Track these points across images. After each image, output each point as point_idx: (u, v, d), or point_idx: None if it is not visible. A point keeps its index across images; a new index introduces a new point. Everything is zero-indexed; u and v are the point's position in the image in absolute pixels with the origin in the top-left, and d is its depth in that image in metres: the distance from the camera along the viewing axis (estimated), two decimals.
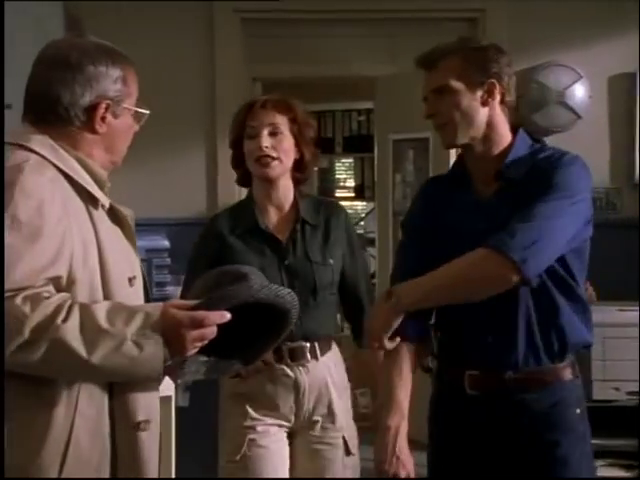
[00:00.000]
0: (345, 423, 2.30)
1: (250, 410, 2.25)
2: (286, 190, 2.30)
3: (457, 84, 1.85)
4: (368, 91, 5.25)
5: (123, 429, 1.55)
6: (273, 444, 2.25)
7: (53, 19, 3.25)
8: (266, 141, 2.22)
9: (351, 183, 7.96)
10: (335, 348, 2.34)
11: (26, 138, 1.56)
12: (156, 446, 1.62)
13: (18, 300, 1.40)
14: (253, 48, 3.96)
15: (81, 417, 1.50)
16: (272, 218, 2.30)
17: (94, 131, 1.61)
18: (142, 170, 3.46)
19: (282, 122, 2.24)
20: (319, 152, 2.36)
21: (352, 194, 7.79)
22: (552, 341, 1.84)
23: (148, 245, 3.05)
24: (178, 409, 2.84)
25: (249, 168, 2.28)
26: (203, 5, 3.55)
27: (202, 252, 2.31)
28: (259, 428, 2.25)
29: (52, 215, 1.47)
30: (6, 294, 1.40)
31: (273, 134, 2.24)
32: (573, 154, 1.86)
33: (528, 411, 1.84)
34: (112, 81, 1.61)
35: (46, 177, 1.51)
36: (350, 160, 7.82)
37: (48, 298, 1.44)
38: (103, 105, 1.60)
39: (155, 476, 1.61)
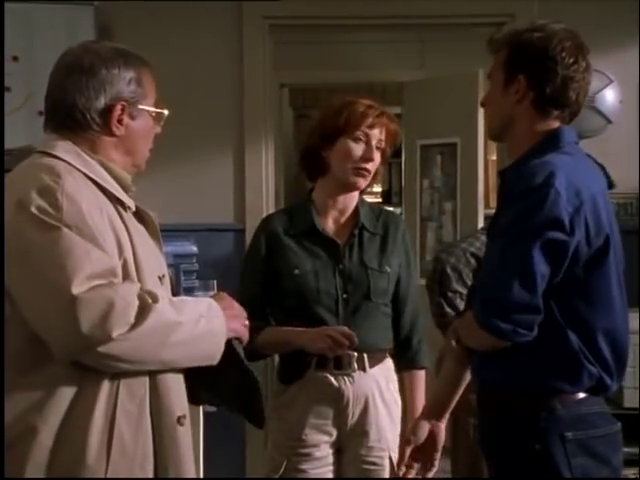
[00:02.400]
0: (393, 443, 2.21)
1: (292, 427, 2.19)
2: (353, 197, 2.27)
3: (498, 76, 1.79)
4: (396, 96, 5.24)
5: (165, 424, 1.58)
6: (313, 469, 2.19)
7: (84, 24, 3.28)
8: (376, 155, 2.20)
9: (378, 188, 7.95)
10: (388, 363, 2.26)
11: (51, 146, 1.60)
12: (190, 441, 1.64)
13: (112, 285, 1.47)
14: (281, 54, 3.97)
15: (122, 412, 1.53)
16: (330, 221, 2.26)
17: (112, 134, 1.63)
18: (170, 176, 3.47)
19: (384, 140, 2.23)
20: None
21: (379, 199, 7.78)
22: (497, 376, 1.76)
23: (176, 251, 3.06)
24: (206, 413, 2.84)
25: (336, 169, 2.21)
26: (232, 11, 3.56)
27: (255, 251, 2.29)
28: (301, 450, 2.19)
29: (92, 215, 1.51)
30: (95, 281, 1.46)
31: (377, 148, 2.21)
32: (541, 178, 1.64)
33: (486, 434, 1.83)
34: (126, 83, 1.62)
35: (77, 180, 1.54)
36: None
37: (130, 284, 1.52)
38: (118, 107, 1.62)
39: (193, 472, 1.64)
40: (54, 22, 3.28)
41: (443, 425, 1.95)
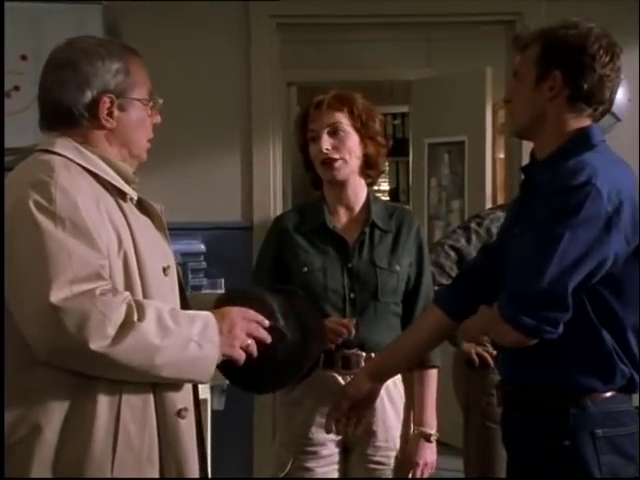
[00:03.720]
0: (399, 443, 2.22)
1: (299, 425, 2.19)
2: (357, 190, 2.24)
3: (528, 72, 1.75)
4: (404, 95, 5.25)
5: (167, 417, 1.58)
6: (320, 467, 2.19)
7: (92, 24, 3.29)
8: (326, 143, 2.16)
9: (386, 187, 7.95)
10: None
11: (50, 143, 1.60)
12: (194, 435, 1.64)
13: (93, 296, 1.45)
14: (288, 53, 3.97)
15: (127, 406, 1.53)
16: (341, 219, 2.25)
17: (103, 127, 1.61)
18: (178, 174, 3.48)
19: (342, 119, 2.17)
20: (388, 144, 2.28)
21: (387, 198, 7.78)
22: (527, 374, 1.74)
23: (184, 249, 3.06)
24: (214, 412, 2.85)
25: (317, 172, 2.23)
26: (239, 10, 3.56)
27: (267, 249, 2.30)
28: (308, 448, 2.18)
29: (87, 209, 1.51)
30: (76, 287, 1.44)
31: (333, 133, 2.17)
32: (584, 177, 1.63)
33: (511, 430, 1.82)
34: (112, 74, 1.61)
35: (73, 174, 1.54)
36: (385, 164, 7.80)
37: (115, 295, 1.48)
38: (106, 100, 1.60)
39: (196, 467, 1.63)
40: (63, 21, 3.28)
41: (381, 387, 2.02)
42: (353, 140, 2.19)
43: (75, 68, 1.60)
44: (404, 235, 2.24)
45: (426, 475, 2.23)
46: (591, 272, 1.65)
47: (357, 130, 2.19)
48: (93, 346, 1.43)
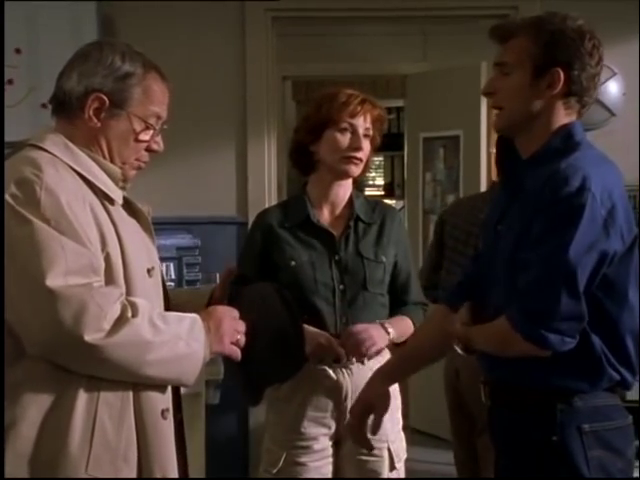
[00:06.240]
0: (392, 435, 2.22)
1: (290, 420, 2.18)
2: (347, 188, 2.28)
3: (520, 67, 1.70)
4: (399, 89, 5.24)
5: (148, 417, 1.57)
6: (312, 462, 2.19)
7: (87, 18, 3.28)
8: (364, 144, 2.21)
9: (380, 181, 7.96)
10: (386, 355, 2.24)
11: (40, 138, 1.59)
12: (172, 435, 1.64)
13: (90, 288, 1.45)
14: (284, 47, 3.96)
15: (104, 405, 1.52)
16: (325, 214, 2.27)
17: (87, 124, 1.60)
18: (173, 169, 3.47)
19: (370, 127, 2.23)
20: None
21: (382, 192, 7.79)
22: (514, 375, 1.72)
23: (179, 243, 3.06)
24: (208, 406, 2.85)
25: (327, 160, 2.22)
26: (234, 4, 3.56)
27: (251, 245, 2.30)
28: (300, 443, 2.18)
29: (73, 208, 1.50)
30: (71, 279, 1.43)
31: (366, 136, 2.22)
32: (578, 182, 1.60)
33: (498, 426, 1.81)
34: (114, 77, 1.60)
35: (60, 173, 1.53)
36: (380, 158, 7.81)
37: (111, 290, 1.49)
38: (96, 98, 1.59)
39: (175, 467, 1.63)
40: (57, 16, 3.28)
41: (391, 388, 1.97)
42: (369, 145, 2.24)
43: (85, 59, 1.61)
44: (387, 227, 2.27)
45: (372, 350, 2.16)
46: (593, 274, 1.63)
47: (372, 140, 2.25)
48: (87, 338, 1.42)
